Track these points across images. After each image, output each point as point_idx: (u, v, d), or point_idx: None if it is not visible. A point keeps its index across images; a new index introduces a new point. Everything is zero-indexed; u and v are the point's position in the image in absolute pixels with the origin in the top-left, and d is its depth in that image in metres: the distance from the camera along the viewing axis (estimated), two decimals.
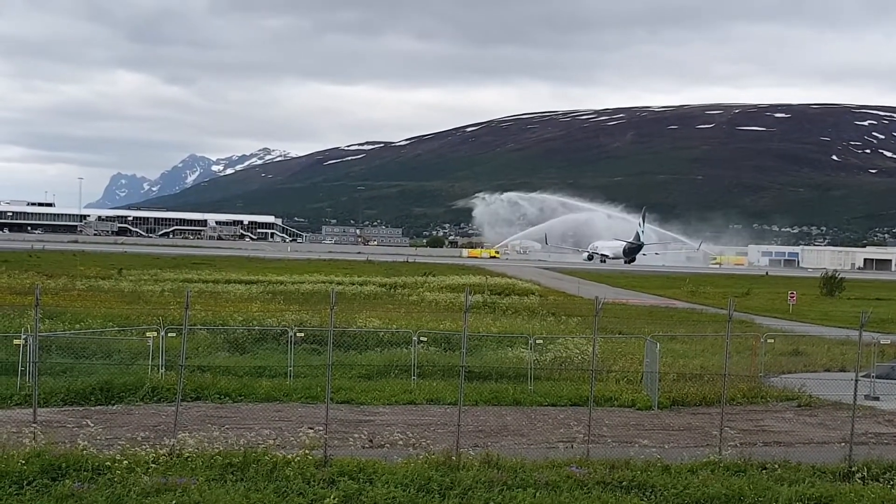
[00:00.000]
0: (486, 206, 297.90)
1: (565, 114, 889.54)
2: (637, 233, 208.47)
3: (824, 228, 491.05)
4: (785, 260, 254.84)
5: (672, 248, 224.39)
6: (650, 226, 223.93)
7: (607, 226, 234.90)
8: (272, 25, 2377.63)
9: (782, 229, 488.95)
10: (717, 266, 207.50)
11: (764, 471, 19.90)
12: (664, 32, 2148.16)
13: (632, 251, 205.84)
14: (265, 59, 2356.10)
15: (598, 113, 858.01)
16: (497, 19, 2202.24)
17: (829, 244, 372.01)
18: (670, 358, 36.37)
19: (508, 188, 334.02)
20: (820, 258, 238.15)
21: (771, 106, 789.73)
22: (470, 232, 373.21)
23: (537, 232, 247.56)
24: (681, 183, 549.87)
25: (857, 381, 22.77)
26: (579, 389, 30.32)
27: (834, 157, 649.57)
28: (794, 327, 54.62)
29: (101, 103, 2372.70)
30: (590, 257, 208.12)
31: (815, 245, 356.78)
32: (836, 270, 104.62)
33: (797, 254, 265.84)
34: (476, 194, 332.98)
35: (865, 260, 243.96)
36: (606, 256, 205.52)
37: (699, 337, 43.19)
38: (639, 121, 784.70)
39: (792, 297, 71.58)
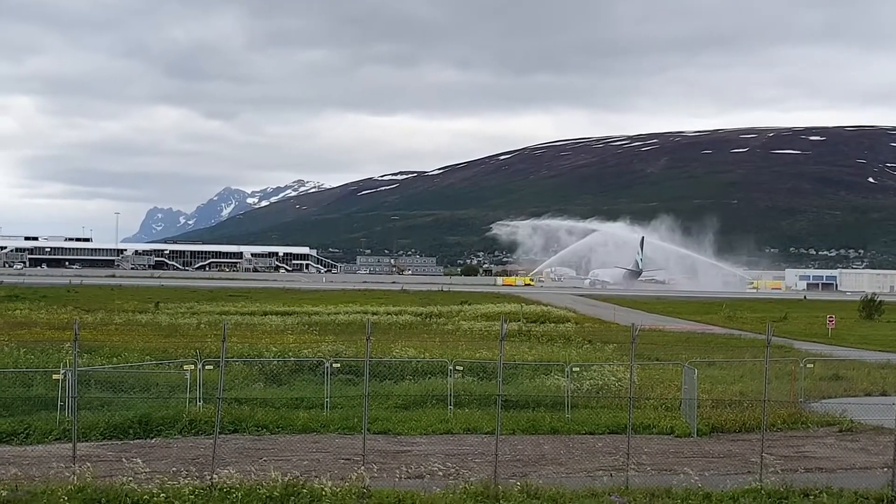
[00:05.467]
0: (511, 234, 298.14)
1: (599, 140, 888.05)
2: (636, 260, 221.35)
3: (862, 251, 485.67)
4: (823, 283, 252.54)
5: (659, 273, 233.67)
6: (684, 249, 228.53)
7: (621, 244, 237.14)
8: (310, 59, 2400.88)
9: (819, 253, 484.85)
10: (754, 290, 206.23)
11: (806, 498, 19.69)
12: (704, 57, 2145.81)
13: (631, 277, 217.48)
14: (304, 92, 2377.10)
15: (632, 139, 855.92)
16: (535, 47, 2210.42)
17: (867, 267, 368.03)
18: (708, 384, 36.10)
19: (542, 215, 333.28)
20: (858, 281, 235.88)
21: (806, 129, 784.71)
22: (504, 260, 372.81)
23: (558, 259, 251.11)
24: (716, 207, 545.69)
25: None
26: (617, 417, 30.14)
27: (870, 180, 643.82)
28: (834, 351, 54.00)
29: (140, 139, 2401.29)
30: (592, 284, 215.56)
31: (853, 268, 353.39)
32: (875, 293, 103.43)
33: (835, 277, 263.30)
34: (497, 222, 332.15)
35: None
36: (607, 283, 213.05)
37: (737, 363, 42.84)
38: (673, 146, 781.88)
39: (831, 321, 70.88)
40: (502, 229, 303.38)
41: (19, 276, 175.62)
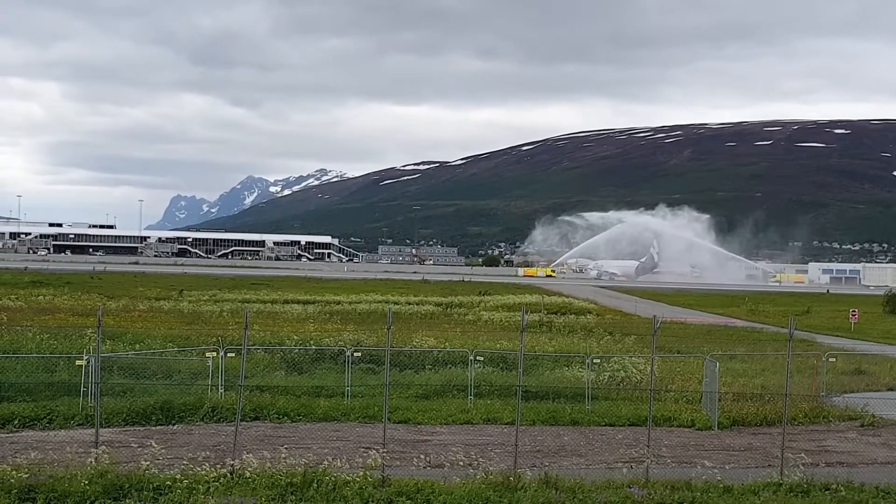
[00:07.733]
0: (539, 230, 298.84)
1: (622, 131, 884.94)
2: (651, 253, 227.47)
3: (886, 245, 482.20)
4: (846, 277, 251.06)
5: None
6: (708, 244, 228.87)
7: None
8: (334, 47, 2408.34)
9: (843, 246, 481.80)
10: (777, 284, 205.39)
11: (827, 492, 19.61)
12: (730, 48, 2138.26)
13: (643, 270, 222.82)
14: (328, 80, 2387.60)
15: (655, 130, 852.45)
16: (560, 37, 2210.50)
17: (891, 261, 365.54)
18: (730, 377, 35.98)
19: (564, 206, 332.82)
20: (882, 275, 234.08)
21: (830, 122, 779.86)
22: (526, 251, 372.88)
23: (582, 250, 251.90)
24: (739, 200, 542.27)
25: None
26: (637, 409, 30.07)
27: (895, 174, 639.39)
28: (856, 346, 53.77)
29: (165, 126, 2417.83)
30: (599, 275, 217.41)
31: (876, 262, 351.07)
32: None
33: (858, 271, 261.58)
34: (532, 218, 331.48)
35: None
36: (615, 275, 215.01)
37: (759, 356, 42.67)
38: (697, 138, 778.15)
39: (854, 316, 70.54)
40: (540, 233, 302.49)
41: (43, 262, 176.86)
